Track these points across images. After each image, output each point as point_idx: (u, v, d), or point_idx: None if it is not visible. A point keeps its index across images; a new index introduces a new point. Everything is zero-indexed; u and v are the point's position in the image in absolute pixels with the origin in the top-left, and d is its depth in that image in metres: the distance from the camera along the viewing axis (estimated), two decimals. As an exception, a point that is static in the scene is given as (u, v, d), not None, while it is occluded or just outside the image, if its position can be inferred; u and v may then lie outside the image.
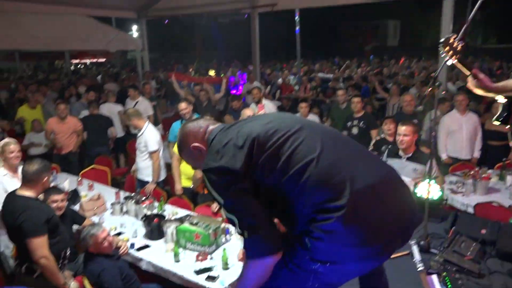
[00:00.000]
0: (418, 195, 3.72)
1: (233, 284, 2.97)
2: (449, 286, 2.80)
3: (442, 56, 2.16)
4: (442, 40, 2.14)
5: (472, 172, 4.57)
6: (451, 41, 2.11)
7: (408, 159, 3.91)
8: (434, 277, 2.96)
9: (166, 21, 16.20)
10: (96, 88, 7.99)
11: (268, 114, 1.83)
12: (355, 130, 5.73)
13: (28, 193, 3.00)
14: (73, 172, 5.67)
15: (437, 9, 7.26)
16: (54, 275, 2.93)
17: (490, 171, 4.75)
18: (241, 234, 1.56)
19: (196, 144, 1.74)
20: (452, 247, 3.00)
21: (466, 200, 4.18)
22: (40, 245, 2.85)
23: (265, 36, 10.38)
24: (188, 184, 4.64)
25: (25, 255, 2.90)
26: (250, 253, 1.58)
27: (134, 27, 16.91)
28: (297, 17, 10.80)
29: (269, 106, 6.68)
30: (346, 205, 1.47)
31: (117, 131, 6.97)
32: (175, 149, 4.67)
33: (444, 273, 2.90)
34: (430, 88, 2.83)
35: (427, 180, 3.44)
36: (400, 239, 1.67)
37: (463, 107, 5.39)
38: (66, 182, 4.72)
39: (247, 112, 5.10)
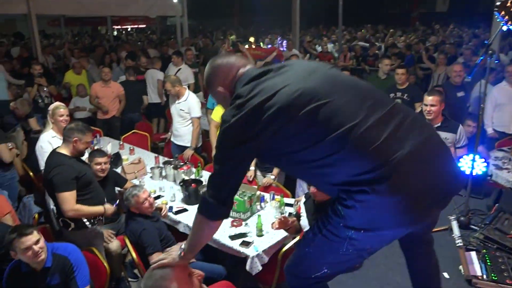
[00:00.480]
0: (462, 169, 3.59)
1: (267, 250, 3.03)
2: (489, 264, 2.73)
3: (498, 21, 2.03)
4: (498, 3, 2.00)
5: (521, 148, 4.35)
6: (508, 4, 1.97)
7: (437, 129, 3.79)
8: (473, 254, 2.89)
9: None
10: (133, 55, 8.07)
11: (302, 66, 1.63)
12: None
13: (63, 151, 3.14)
14: (115, 136, 5.88)
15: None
16: (92, 214, 3.13)
17: (540, 147, 4.49)
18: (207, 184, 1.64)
19: (222, 89, 1.70)
20: (494, 224, 2.92)
21: (512, 177, 4.00)
22: (67, 199, 2.99)
23: (306, 2, 10.05)
24: None
25: (60, 209, 3.07)
26: (199, 208, 1.65)
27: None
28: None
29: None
30: (384, 175, 1.42)
31: (153, 97, 7.06)
32: (213, 115, 4.70)
33: (484, 250, 2.82)
34: (482, 58, 2.68)
35: (472, 155, 3.31)
36: (439, 206, 1.62)
37: (515, 78, 5.05)
38: (109, 145, 4.91)
39: None
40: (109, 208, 3.27)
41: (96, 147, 4.71)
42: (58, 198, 3.01)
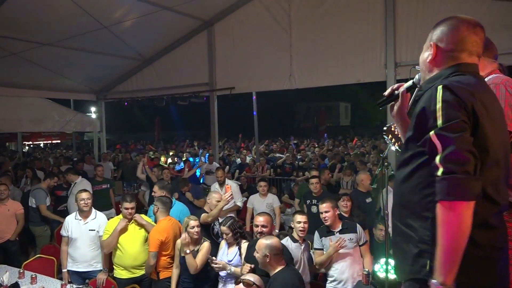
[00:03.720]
0: (378, 273, 3.70)
1: None
2: None
3: (387, 142, 2.34)
4: (385, 128, 2.33)
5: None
6: (392, 129, 2.30)
7: (340, 232, 3.99)
8: None
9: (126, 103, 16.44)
10: (53, 174, 7.67)
11: None
12: (314, 209, 5.77)
13: None
14: (14, 263, 5.19)
15: (382, 91, 7.77)
16: None
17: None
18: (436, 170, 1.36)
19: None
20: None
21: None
22: None
23: (224, 116, 10.64)
24: (128, 275, 4.41)
25: None
26: (441, 195, 1.34)
27: (93, 109, 16.92)
28: (254, 100, 11.17)
29: (233, 186, 6.59)
30: None
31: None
32: (105, 236, 4.41)
33: None
34: (380, 169, 2.99)
35: (384, 258, 3.45)
36: None
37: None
38: (5, 275, 4.31)
39: (216, 196, 4.89)
40: None
41: (-11, 278, 4.12)
42: None
